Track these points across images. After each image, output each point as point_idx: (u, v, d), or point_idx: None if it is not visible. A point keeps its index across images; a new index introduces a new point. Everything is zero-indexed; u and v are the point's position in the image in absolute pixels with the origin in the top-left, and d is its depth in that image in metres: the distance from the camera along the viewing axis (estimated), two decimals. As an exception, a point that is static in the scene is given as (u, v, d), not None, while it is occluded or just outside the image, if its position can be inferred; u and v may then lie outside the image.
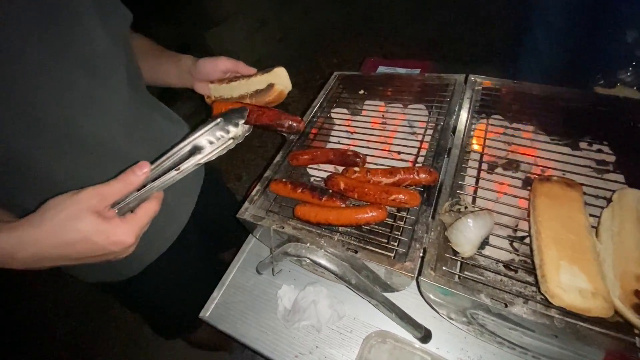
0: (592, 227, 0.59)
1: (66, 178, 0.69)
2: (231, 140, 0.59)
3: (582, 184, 0.65)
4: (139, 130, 0.82)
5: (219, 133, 0.58)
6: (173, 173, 0.56)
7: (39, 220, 0.49)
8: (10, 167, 0.63)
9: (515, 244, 0.70)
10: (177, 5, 3.30)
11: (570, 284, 0.49)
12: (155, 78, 0.97)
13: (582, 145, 0.87)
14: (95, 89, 0.69)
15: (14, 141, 0.61)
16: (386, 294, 0.74)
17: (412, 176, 0.70)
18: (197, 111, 3.17)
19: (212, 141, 0.58)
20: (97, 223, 0.50)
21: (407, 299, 0.86)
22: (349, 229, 0.78)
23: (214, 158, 0.58)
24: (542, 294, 0.52)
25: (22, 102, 0.59)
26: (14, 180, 0.66)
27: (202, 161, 0.57)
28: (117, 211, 0.55)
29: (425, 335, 0.77)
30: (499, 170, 0.82)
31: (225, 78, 0.96)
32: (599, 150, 0.85)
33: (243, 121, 0.60)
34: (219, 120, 0.58)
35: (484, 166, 0.82)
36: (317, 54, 4.31)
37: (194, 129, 0.59)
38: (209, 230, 1.17)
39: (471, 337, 0.79)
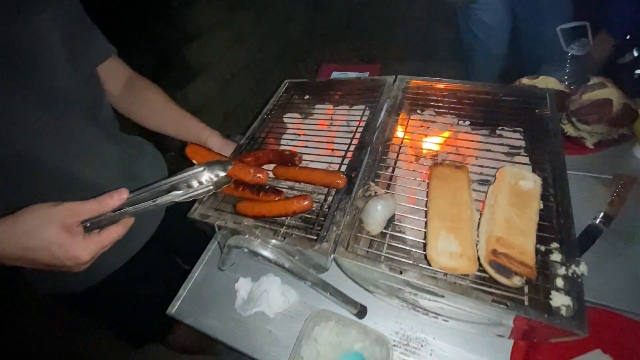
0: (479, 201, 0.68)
1: (26, 202, 0.78)
2: (210, 188, 0.65)
3: (494, 168, 0.76)
4: (98, 156, 0.90)
5: (200, 181, 0.64)
6: (149, 203, 0.61)
7: (11, 222, 0.55)
8: None
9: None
10: (152, 23, 3.40)
11: (444, 248, 0.58)
12: (167, 133, 1.07)
13: (499, 132, 0.98)
14: (51, 122, 0.77)
15: None
16: (323, 275, 0.82)
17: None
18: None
19: (191, 185, 0.63)
20: (60, 236, 0.55)
21: (349, 282, 0.94)
22: (289, 219, 0.87)
23: (189, 200, 0.64)
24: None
25: None
26: None
27: (177, 200, 0.63)
28: (88, 225, 0.59)
29: (360, 311, 0.85)
30: (421, 160, 0.92)
31: None
32: (512, 137, 0.94)
33: (224, 174, 0.65)
34: (202, 168, 0.64)
35: (409, 157, 0.92)
36: (296, 62, 4.44)
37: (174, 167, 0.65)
38: (174, 242, 1.24)
39: (404, 311, 0.88)
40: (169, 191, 0.62)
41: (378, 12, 4.37)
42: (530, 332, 0.61)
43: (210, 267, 1.13)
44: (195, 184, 0.63)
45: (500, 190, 0.64)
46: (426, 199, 0.73)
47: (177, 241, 1.25)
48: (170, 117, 1.06)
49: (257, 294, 0.97)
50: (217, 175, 0.65)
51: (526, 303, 0.58)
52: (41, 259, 0.57)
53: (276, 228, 0.83)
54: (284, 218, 0.88)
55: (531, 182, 0.64)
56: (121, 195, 0.59)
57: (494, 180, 0.69)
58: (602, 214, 0.90)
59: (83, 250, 0.57)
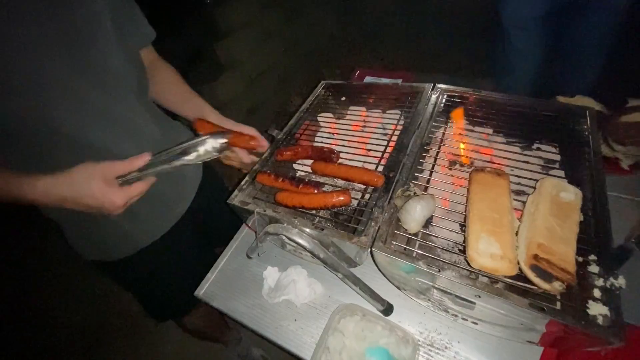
0: (518, 209, 0.70)
1: None
2: (214, 154, 0.82)
3: (531, 179, 0.77)
4: (141, 136, 0.95)
5: (205, 147, 0.81)
6: (166, 165, 0.79)
7: (67, 175, 0.72)
8: (32, 164, 0.80)
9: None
10: (186, 18, 3.51)
11: (485, 250, 0.60)
12: (174, 109, 1.14)
13: (535, 146, 0.99)
14: (105, 102, 0.82)
15: (34, 148, 0.78)
16: (353, 270, 0.85)
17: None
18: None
19: (199, 151, 0.80)
20: (102, 186, 0.73)
21: (376, 280, 0.96)
22: (322, 212, 0.90)
23: (198, 163, 0.82)
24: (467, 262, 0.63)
25: (41, 116, 0.73)
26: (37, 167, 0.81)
27: (188, 163, 0.80)
28: (120, 182, 0.77)
29: (387, 309, 0.88)
30: (457, 166, 0.94)
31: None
32: (548, 151, 0.96)
33: (225, 141, 0.82)
34: (207, 137, 0.81)
35: (445, 162, 0.94)
36: (321, 65, 4.50)
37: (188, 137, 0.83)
38: (204, 225, 1.28)
39: (429, 312, 0.90)
40: (181, 155, 0.79)
41: (405, 23, 4.40)
42: (563, 339, 0.62)
43: (239, 253, 1.17)
44: (202, 149, 0.80)
45: (541, 200, 0.66)
46: (462, 204, 0.75)
47: (208, 224, 1.29)
48: (176, 93, 1.12)
49: (285, 282, 1.00)
50: (219, 143, 0.81)
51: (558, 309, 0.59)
52: (87, 202, 0.74)
53: (309, 220, 0.86)
54: (314, 211, 0.92)
55: (572, 194, 0.66)
56: (145, 157, 0.77)
57: (534, 190, 0.70)
58: (635, 235, 0.90)
59: (118, 197, 0.74)
